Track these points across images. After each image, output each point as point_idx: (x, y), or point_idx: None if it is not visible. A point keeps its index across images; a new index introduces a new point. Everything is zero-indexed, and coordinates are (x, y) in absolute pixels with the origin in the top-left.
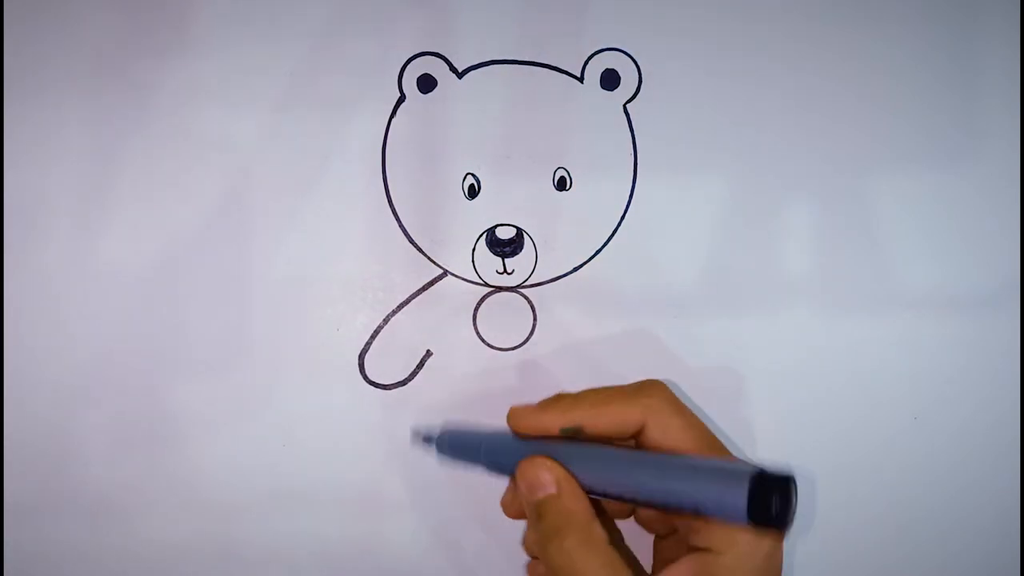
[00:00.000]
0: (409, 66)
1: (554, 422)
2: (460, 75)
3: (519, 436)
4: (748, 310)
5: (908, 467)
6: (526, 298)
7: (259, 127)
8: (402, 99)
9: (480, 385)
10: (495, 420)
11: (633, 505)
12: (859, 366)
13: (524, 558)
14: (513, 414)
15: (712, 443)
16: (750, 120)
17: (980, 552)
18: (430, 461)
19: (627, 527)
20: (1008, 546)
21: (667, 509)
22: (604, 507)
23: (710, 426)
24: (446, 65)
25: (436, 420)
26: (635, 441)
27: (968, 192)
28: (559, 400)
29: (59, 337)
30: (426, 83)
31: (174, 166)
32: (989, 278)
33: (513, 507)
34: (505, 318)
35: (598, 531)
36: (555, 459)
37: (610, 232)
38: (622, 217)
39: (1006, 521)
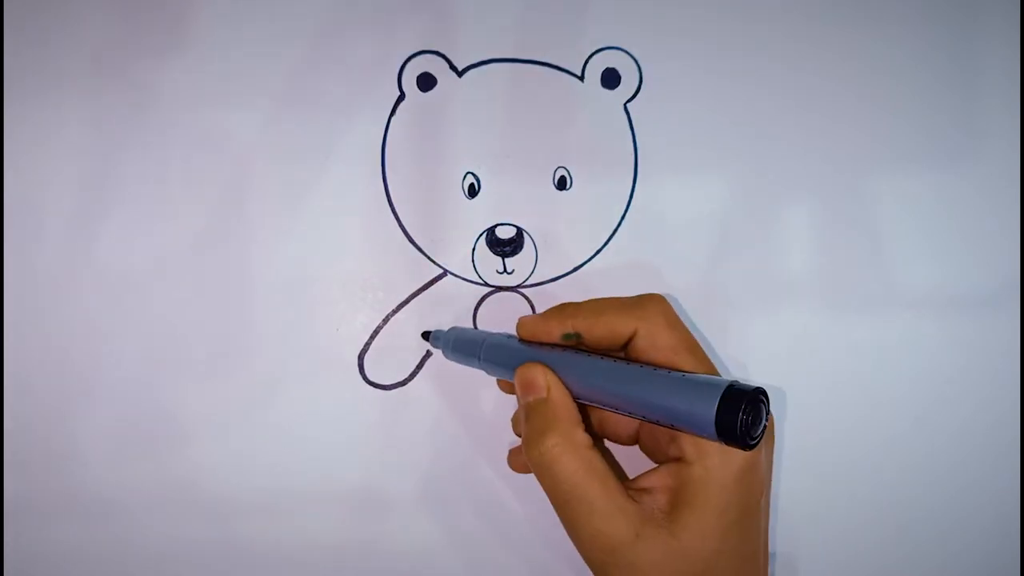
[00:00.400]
0: (409, 64)
1: (555, 328)
2: (460, 74)
3: (523, 341)
4: (748, 310)
5: (908, 467)
6: (526, 298)
7: (259, 127)
8: (402, 98)
9: (480, 385)
10: (495, 421)
11: (615, 413)
12: (859, 366)
13: (524, 556)
14: (521, 322)
15: (699, 359)
16: (750, 120)
17: (980, 552)
18: (429, 461)
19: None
20: (1008, 546)
21: (646, 419)
22: (610, 433)
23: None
24: (446, 63)
25: (435, 419)
26: (625, 349)
27: (968, 192)
28: (562, 309)
29: (59, 337)
30: (426, 82)
31: (174, 166)
32: (989, 278)
33: (520, 425)
34: (505, 318)
35: (580, 435)
36: (549, 366)
37: (610, 232)
38: (622, 217)
39: (1006, 521)
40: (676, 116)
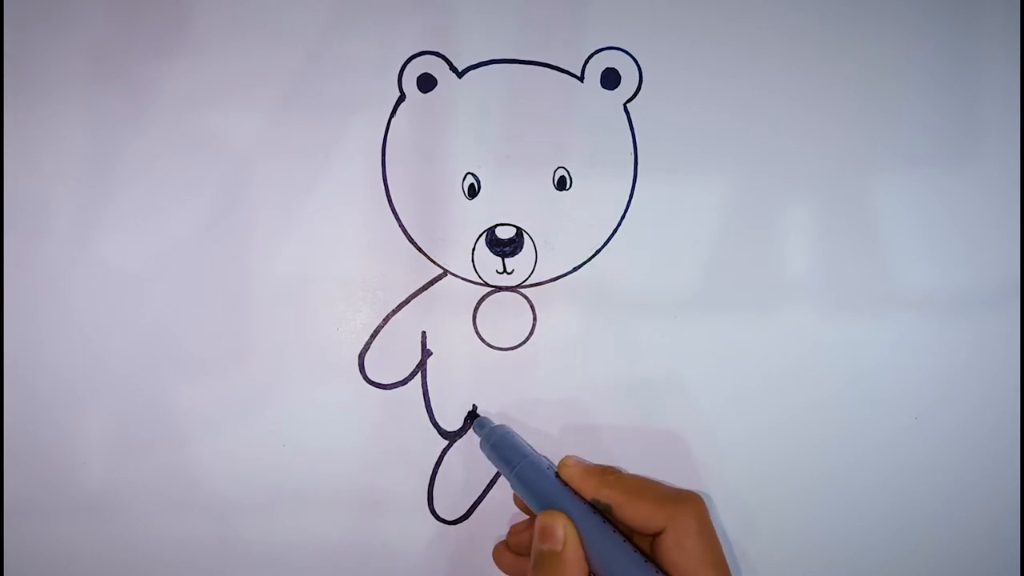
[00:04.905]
0: (409, 65)
1: (591, 490)
2: (460, 74)
3: (559, 478)
4: (748, 310)
5: (908, 467)
6: (526, 298)
7: (259, 127)
8: (402, 98)
9: (480, 385)
10: (494, 419)
11: None
12: (859, 366)
13: None
14: (565, 461)
15: (720, 574)
16: (750, 120)
17: (980, 552)
18: (428, 460)
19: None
20: (1008, 546)
21: None
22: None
23: (701, 430)
24: (446, 64)
25: (442, 420)
26: (652, 539)
27: (968, 192)
28: (605, 472)
29: (59, 337)
30: (426, 82)
31: (174, 166)
32: (989, 278)
33: (515, 540)
34: (505, 318)
35: None
36: (573, 521)
37: (610, 232)
38: (622, 217)
39: (1006, 521)
40: (676, 116)
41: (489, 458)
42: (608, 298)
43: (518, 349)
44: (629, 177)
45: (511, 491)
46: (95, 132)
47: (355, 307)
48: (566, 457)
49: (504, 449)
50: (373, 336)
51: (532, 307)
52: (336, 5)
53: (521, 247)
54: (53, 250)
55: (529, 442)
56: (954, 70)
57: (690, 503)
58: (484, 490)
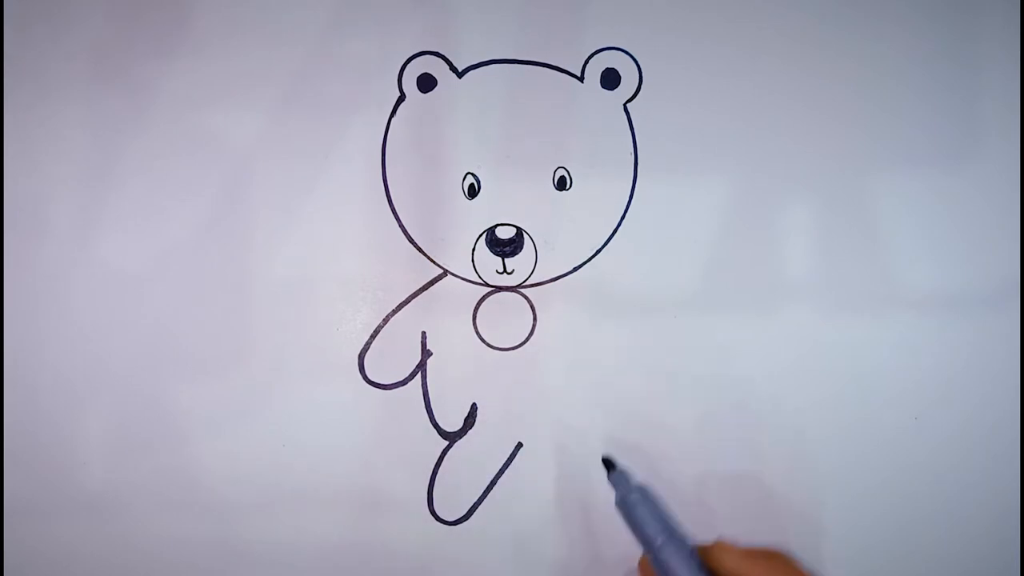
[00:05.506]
0: (409, 65)
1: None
2: (460, 75)
3: (706, 565)
4: (748, 310)
5: (908, 467)
6: (526, 298)
7: (259, 127)
8: (402, 98)
9: (480, 385)
10: (494, 419)
11: None
12: (859, 366)
13: (524, 560)
14: (719, 546)
15: None
16: (750, 120)
17: (980, 552)
18: (428, 460)
19: None
20: (1008, 546)
21: None
22: None
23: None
24: (446, 64)
25: (442, 420)
26: None
27: (968, 192)
28: (768, 558)
29: (59, 337)
30: (426, 82)
31: (174, 166)
32: (989, 278)
33: None
34: (505, 318)
35: None
36: None
37: (610, 232)
38: (622, 217)
39: (1006, 521)
40: (676, 116)
41: (624, 519)
42: (608, 298)
43: (518, 349)
44: (629, 177)
45: (512, 491)
46: (95, 132)
47: (355, 307)
48: (720, 542)
49: (645, 520)
50: (373, 336)
51: (532, 307)
52: (336, 5)
53: (521, 247)
54: (53, 250)
55: (529, 442)
56: (954, 70)
57: None
58: (484, 490)
